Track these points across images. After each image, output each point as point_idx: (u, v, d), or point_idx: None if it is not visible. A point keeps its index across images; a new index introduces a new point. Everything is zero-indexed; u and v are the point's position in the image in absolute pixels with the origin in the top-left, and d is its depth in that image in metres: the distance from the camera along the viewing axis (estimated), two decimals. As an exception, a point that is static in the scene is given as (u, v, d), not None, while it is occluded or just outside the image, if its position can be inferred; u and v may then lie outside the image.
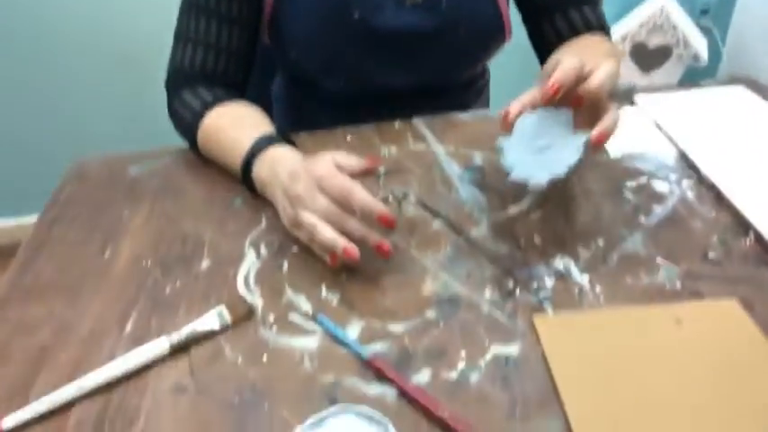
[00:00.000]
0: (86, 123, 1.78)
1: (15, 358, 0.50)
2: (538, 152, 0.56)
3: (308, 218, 0.54)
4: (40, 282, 0.59)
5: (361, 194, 0.53)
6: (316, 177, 0.55)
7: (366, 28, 0.74)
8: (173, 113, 0.77)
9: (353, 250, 0.53)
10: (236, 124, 0.70)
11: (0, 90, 1.71)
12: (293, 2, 0.75)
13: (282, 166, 0.60)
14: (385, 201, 0.66)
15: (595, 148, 0.55)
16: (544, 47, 0.84)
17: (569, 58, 0.55)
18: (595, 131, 0.54)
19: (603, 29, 0.82)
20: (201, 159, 0.74)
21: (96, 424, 0.45)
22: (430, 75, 0.83)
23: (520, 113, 0.56)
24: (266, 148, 0.64)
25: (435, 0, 0.75)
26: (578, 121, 0.57)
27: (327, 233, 0.53)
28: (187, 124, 0.74)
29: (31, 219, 0.67)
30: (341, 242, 0.53)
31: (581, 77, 0.55)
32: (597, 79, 0.54)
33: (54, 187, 0.73)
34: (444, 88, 0.87)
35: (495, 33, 0.81)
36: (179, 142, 0.77)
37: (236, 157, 0.66)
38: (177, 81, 0.77)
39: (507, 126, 0.57)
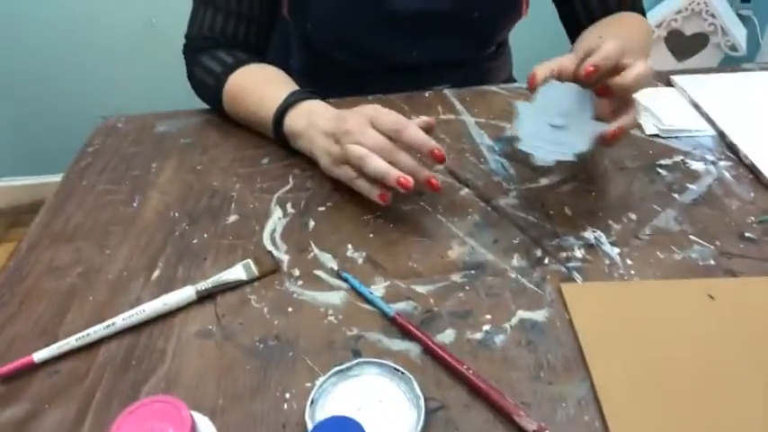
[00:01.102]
0: (113, 86, 1.79)
1: (45, 298, 0.51)
2: (552, 129, 0.54)
3: (358, 150, 0.54)
4: (69, 227, 0.59)
5: (413, 128, 0.53)
6: (367, 115, 0.56)
7: (381, 8, 0.74)
8: (192, 78, 0.76)
9: (407, 179, 0.52)
10: (264, 82, 0.70)
11: (27, 49, 1.72)
12: None
13: (322, 115, 0.60)
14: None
15: (609, 142, 0.53)
16: (574, 26, 0.82)
17: (612, 42, 0.53)
18: (614, 126, 0.52)
19: (636, 9, 0.80)
20: (229, 121, 0.74)
21: (123, 362, 0.45)
22: (445, 52, 0.82)
23: (545, 80, 0.55)
24: (301, 101, 0.64)
25: None
26: (599, 107, 0.55)
27: (380, 162, 0.53)
28: (210, 87, 0.73)
29: (56, 178, 0.68)
30: (394, 171, 0.53)
31: (619, 67, 0.53)
32: (633, 75, 0.51)
33: (79, 147, 0.73)
34: (461, 63, 0.86)
35: (511, 11, 0.80)
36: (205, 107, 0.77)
37: (267, 111, 0.65)
38: (196, 46, 0.76)
39: (532, 89, 0.55)
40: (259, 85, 0.69)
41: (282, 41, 0.87)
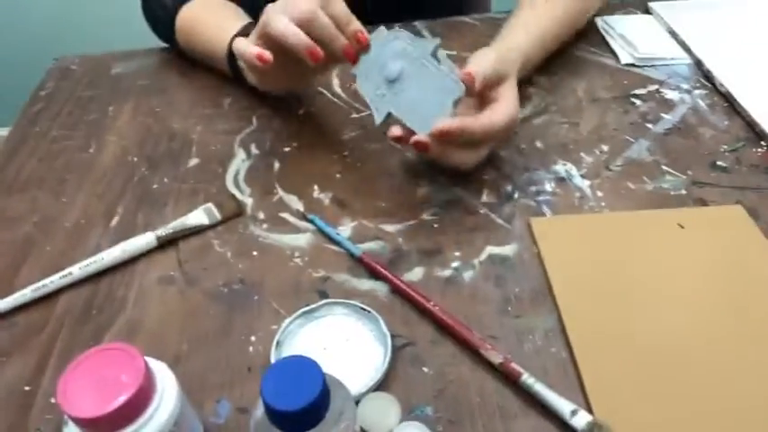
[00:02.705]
0: (63, 26, 1.70)
1: (-1, 249, 0.49)
2: (391, 84, 0.48)
3: (278, 20, 0.48)
4: (22, 175, 0.57)
5: (339, 4, 0.48)
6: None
7: None
8: (146, 11, 0.71)
9: (317, 50, 0.47)
10: (217, 15, 0.65)
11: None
12: None
13: None
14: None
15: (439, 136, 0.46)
16: None
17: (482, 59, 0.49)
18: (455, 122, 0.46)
19: None
20: (188, 61, 0.70)
21: (83, 311, 0.44)
22: None
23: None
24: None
25: None
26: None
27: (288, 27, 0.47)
28: (160, 19, 0.69)
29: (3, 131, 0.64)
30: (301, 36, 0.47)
31: (486, 98, 0.50)
32: (498, 123, 0.48)
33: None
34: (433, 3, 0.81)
35: None
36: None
37: (222, 42, 0.61)
38: None
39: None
40: (213, 17, 0.65)
41: None
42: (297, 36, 0.47)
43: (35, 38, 1.71)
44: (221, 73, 0.66)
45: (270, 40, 0.49)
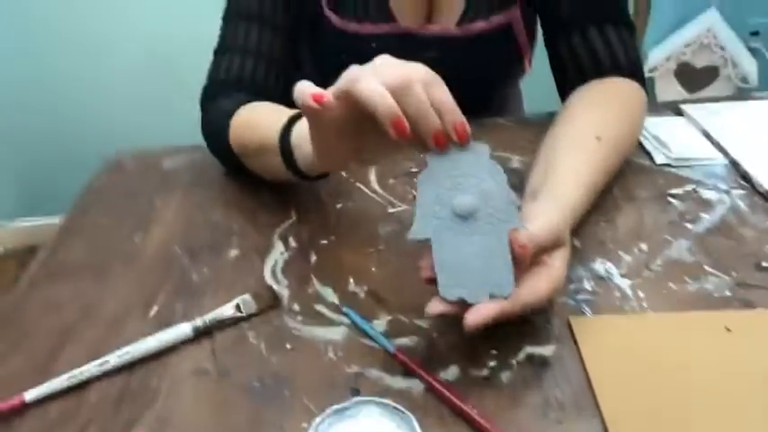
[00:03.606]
0: (117, 126, 1.82)
1: (41, 334, 0.50)
2: (454, 216, 0.42)
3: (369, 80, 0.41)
4: (70, 262, 0.59)
5: (445, 90, 0.42)
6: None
7: None
8: (205, 125, 0.70)
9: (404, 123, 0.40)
10: (272, 111, 0.62)
11: (30, 89, 1.76)
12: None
13: None
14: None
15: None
16: (562, 75, 0.73)
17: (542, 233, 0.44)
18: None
19: (628, 56, 0.68)
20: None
21: (116, 402, 0.44)
22: None
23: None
24: None
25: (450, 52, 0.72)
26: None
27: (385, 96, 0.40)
28: (219, 125, 0.65)
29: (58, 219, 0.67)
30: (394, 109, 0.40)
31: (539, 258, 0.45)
32: (543, 292, 0.44)
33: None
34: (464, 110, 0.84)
35: (513, 69, 0.79)
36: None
37: (274, 127, 0.55)
38: (212, 91, 0.71)
39: None
40: (268, 112, 0.61)
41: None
42: (385, 101, 0.40)
43: (91, 132, 1.83)
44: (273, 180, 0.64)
45: (350, 102, 0.42)
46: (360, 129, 0.45)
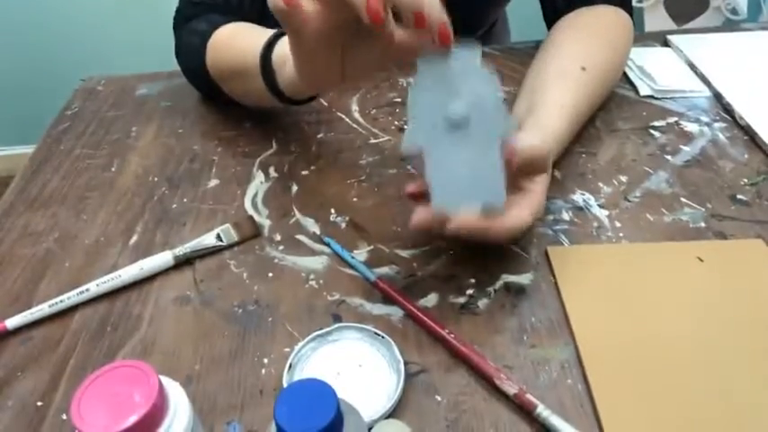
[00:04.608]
0: (90, 53, 1.75)
1: (19, 264, 0.50)
2: (447, 124, 0.41)
3: None
4: (45, 192, 0.58)
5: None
6: None
7: None
8: (179, 49, 0.66)
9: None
10: (251, 31, 0.58)
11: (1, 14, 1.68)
12: None
13: None
14: (402, 130, 0.64)
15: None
16: (549, 1, 0.71)
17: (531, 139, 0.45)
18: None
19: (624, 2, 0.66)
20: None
21: (98, 328, 0.44)
22: None
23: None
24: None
25: None
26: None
27: None
28: (194, 48, 0.62)
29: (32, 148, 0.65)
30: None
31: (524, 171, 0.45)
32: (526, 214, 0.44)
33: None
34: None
35: None
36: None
37: (254, 47, 0.52)
38: (185, 13, 0.67)
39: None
40: (246, 34, 0.58)
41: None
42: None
43: (64, 58, 1.76)
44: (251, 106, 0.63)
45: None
46: (342, 41, 0.42)
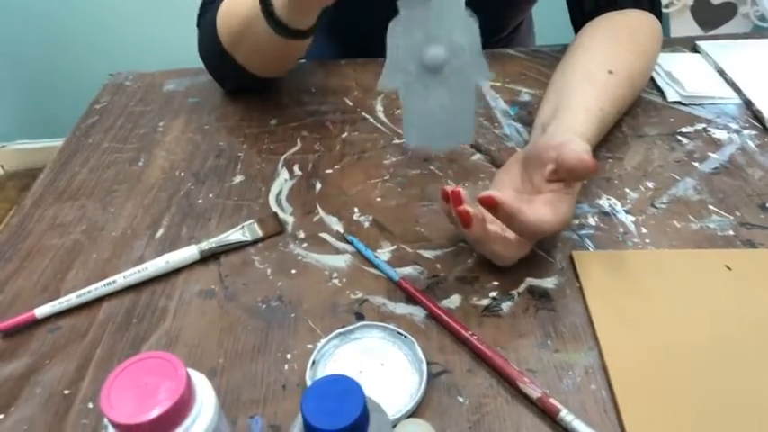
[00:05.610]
0: (119, 48, 1.77)
1: (48, 254, 0.51)
2: (424, 69, 0.41)
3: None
4: (74, 184, 0.59)
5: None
6: None
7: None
8: (199, 42, 0.68)
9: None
10: None
11: (31, 9, 1.71)
12: None
13: None
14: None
15: None
16: (577, 5, 0.69)
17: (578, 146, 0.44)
18: None
19: (654, 6, 0.66)
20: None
21: (124, 320, 0.45)
22: None
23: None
24: None
25: None
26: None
27: None
28: (208, 29, 0.65)
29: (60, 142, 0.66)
30: None
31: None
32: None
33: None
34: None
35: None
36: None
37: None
38: (203, 10, 0.69)
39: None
40: None
41: None
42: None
43: (92, 54, 1.78)
44: (268, 96, 0.65)
45: None
46: None
